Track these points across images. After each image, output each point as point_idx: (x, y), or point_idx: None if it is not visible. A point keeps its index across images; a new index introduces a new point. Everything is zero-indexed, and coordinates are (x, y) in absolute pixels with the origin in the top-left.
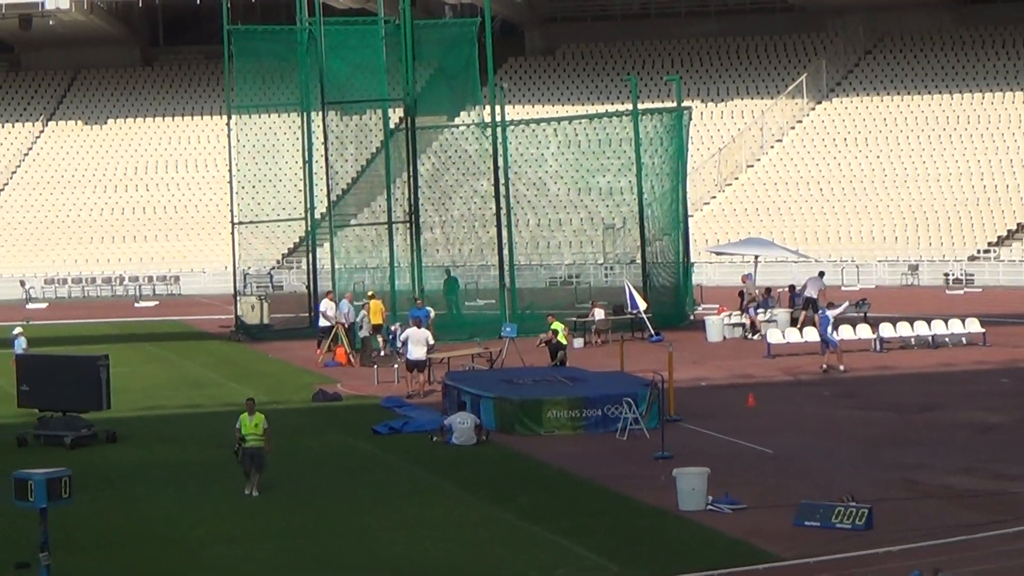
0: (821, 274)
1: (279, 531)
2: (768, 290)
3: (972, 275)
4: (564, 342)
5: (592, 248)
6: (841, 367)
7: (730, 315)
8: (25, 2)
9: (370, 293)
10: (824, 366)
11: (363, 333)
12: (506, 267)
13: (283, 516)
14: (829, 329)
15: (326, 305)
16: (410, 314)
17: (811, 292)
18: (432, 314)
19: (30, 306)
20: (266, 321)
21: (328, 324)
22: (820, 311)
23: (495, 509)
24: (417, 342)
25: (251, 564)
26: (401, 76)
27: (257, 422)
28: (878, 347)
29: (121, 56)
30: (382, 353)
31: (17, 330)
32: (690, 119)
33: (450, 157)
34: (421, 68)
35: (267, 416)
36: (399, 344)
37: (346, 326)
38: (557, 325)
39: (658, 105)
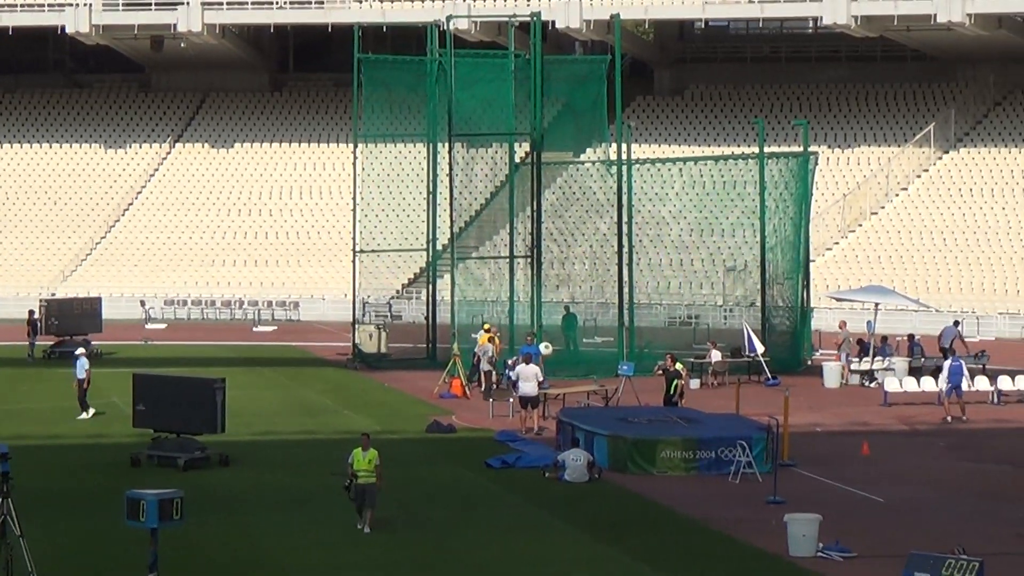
0: (956, 323)
1: (390, 563)
2: (884, 338)
3: None
4: (681, 371)
5: (712, 289)
6: (964, 417)
7: (848, 361)
8: (157, 23)
9: (486, 326)
10: (948, 417)
11: (484, 367)
12: (626, 305)
13: (395, 548)
14: (963, 379)
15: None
16: (521, 351)
17: (945, 342)
18: (547, 350)
19: (149, 326)
20: (383, 350)
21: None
22: (952, 359)
23: (607, 548)
24: (527, 378)
25: None
26: (529, 111)
27: (371, 458)
28: (996, 400)
29: (250, 80)
30: (499, 386)
31: (80, 351)
32: (816, 164)
33: (574, 193)
34: (549, 103)
35: (380, 450)
36: (512, 377)
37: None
38: (678, 365)
39: (784, 149)
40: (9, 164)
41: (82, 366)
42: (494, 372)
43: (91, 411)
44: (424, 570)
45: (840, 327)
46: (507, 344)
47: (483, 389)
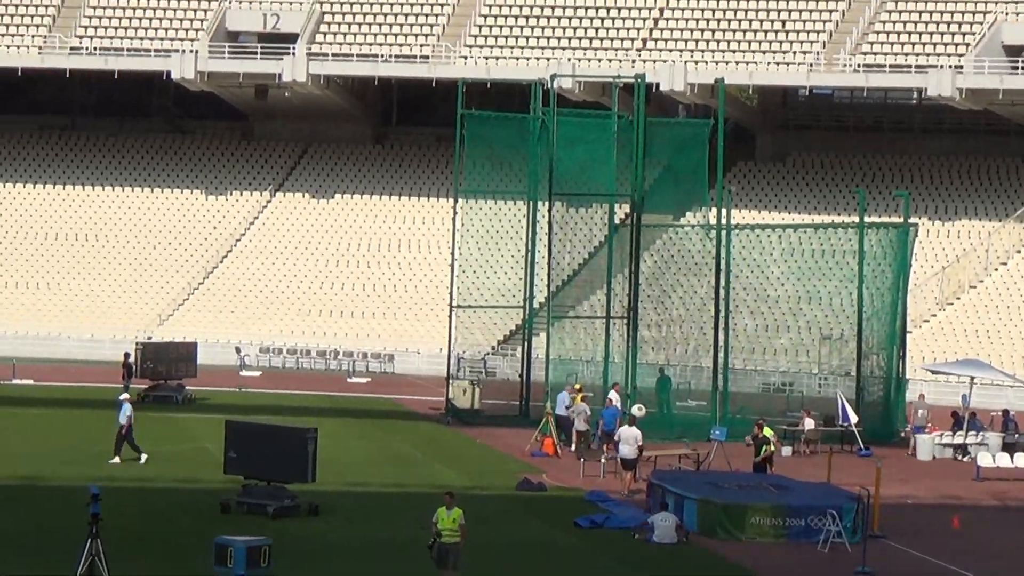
0: None
1: None
2: (973, 414)
3: None
4: (770, 437)
5: (808, 357)
6: None
7: (941, 435)
8: (262, 72)
9: (577, 386)
10: None
11: (580, 426)
12: (720, 370)
13: None
14: None
15: (564, 396)
16: (602, 414)
17: None
18: (640, 412)
19: (244, 373)
20: (477, 406)
21: (561, 414)
22: None
23: None
24: (627, 441)
25: None
26: (630, 172)
27: (455, 517)
28: None
29: (353, 132)
30: (592, 446)
31: (123, 396)
32: (916, 235)
33: (672, 256)
34: (650, 165)
35: (469, 506)
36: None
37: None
38: (767, 432)
39: (884, 219)
40: (111, 207)
41: (124, 412)
42: (588, 431)
43: (118, 459)
44: None
45: (919, 398)
46: (602, 406)
47: (576, 448)
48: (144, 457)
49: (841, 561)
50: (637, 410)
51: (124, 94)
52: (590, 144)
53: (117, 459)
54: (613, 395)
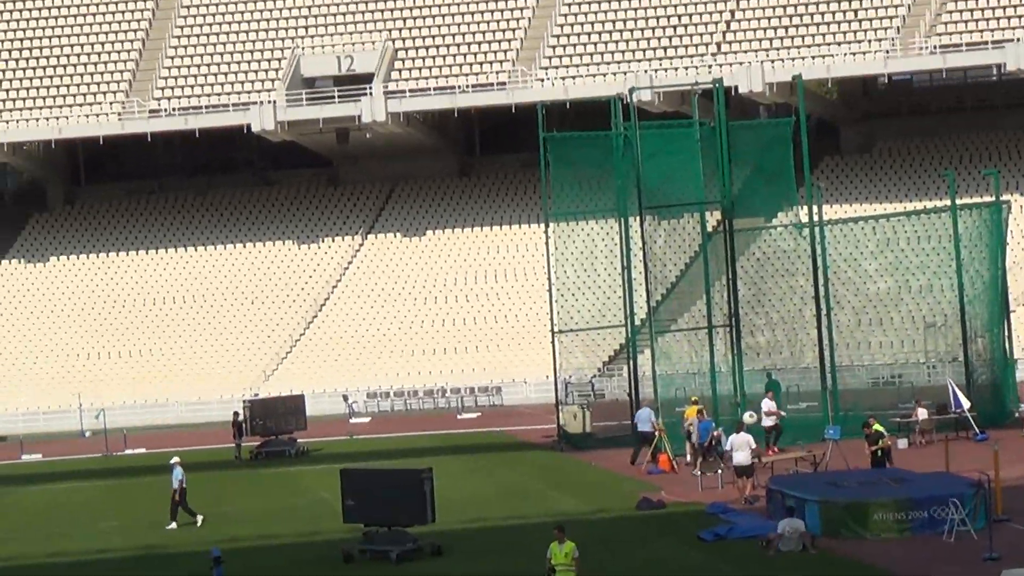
0: None
1: None
2: None
3: None
4: (882, 431)
5: (913, 347)
6: None
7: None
8: (342, 116)
9: (693, 399)
10: None
11: (695, 439)
12: (827, 368)
13: None
14: None
15: (646, 412)
16: (700, 426)
17: None
18: (751, 419)
19: (353, 420)
20: (588, 430)
21: (648, 431)
22: None
23: None
24: (740, 447)
25: None
26: (717, 178)
27: (567, 551)
28: None
29: (438, 166)
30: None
31: (174, 460)
32: (1009, 212)
33: (768, 258)
34: (737, 169)
35: (591, 530)
36: (725, 448)
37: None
38: (877, 427)
39: (976, 200)
40: (205, 267)
41: (176, 476)
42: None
43: (174, 524)
44: None
45: None
46: (712, 416)
47: (696, 461)
48: (200, 519)
49: (968, 549)
50: (748, 417)
51: (207, 151)
52: (675, 154)
53: (174, 524)
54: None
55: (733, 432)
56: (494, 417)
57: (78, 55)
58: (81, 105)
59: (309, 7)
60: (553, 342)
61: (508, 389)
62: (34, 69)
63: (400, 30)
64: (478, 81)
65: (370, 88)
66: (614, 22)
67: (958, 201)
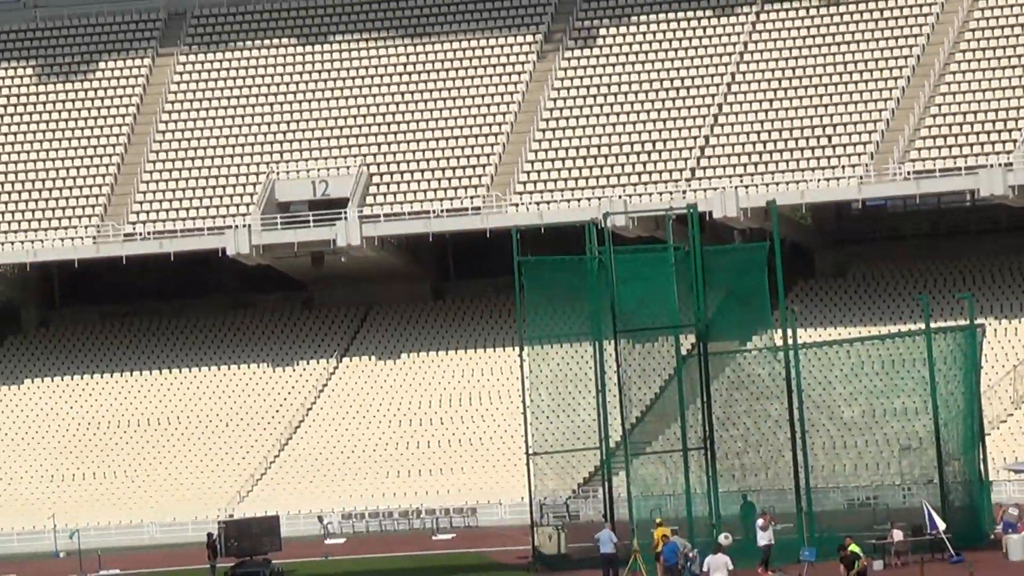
0: None
1: None
2: None
3: None
4: (859, 552)
5: (888, 469)
6: None
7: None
8: (317, 240)
9: (657, 520)
10: None
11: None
12: (802, 490)
13: None
14: None
15: (607, 534)
16: (664, 549)
17: None
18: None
19: (328, 541)
20: (564, 551)
21: (610, 551)
22: None
23: None
24: (717, 568)
25: None
26: (692, 302)
27: None
28: None
29: (412, 290)
30: None
31: None
32: (983, 336)
33: (742, 381)
34: (711, 293)
35: None
36: (703, 570)
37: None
38: (854, 548)
39: (951, 323)
40: (179, 389)
41: None
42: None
43: None
44: None
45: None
46: (687, 537)
47: None
48: None
49: None
50: (724, 539)
51: (182, 274)
52: (649, 278)
53: None
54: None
55: (709, 553)
56: (470, 538)
57: (53, 178)
58: (56, 228)
59: (284, 132)
60: (528, 464)
61: (483, 510)
62: (8, 192)
63: (375, 155)
64: (452, 206)
65: (345, 212)
66: (588, 147)
67: (932, 325)
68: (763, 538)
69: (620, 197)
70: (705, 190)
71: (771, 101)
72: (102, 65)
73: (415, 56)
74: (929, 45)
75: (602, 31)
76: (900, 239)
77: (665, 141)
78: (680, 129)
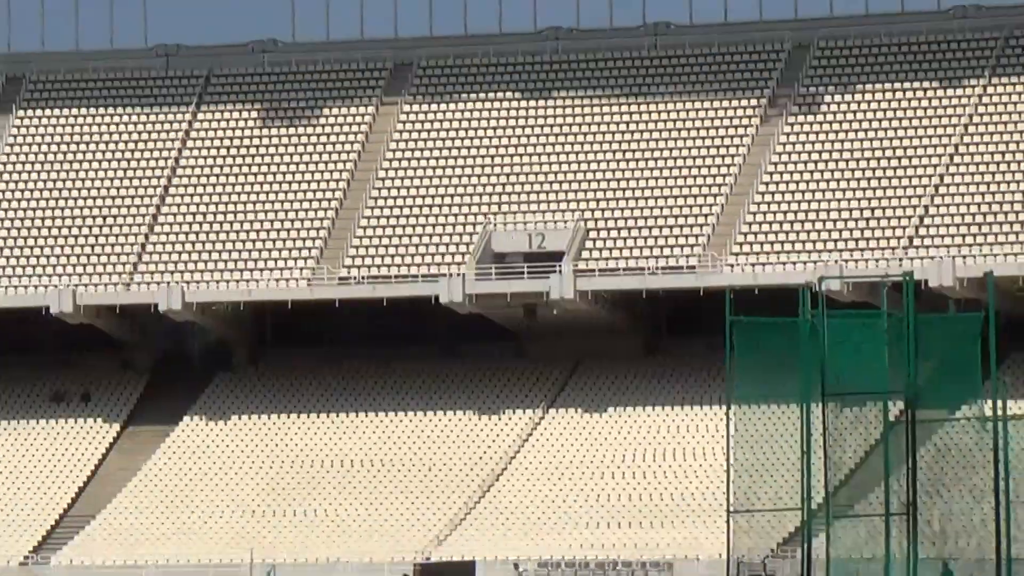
0: None
1: None
2: None
3: None
4: None
5: None
6: None
7: None
8: (530, 291)
9: None
10: None
11: None
12: (1004, 561)
13: None
14: None
15: None
16: None
17: None
18: None
19: None
20: None
21: None
22: None
23: None
24: None
25: None
26: (902, 369)
27: None
28: None
29: (623, 346)
30: None
31: None
32: None
33: (949, 450)
34: (922, 362)
35: None
36: None
37: None
38: None
39: None
40: (384, 432)
41: None
42: None
43: None
44: None
45: None
46: None
47: None
48: None
49: None
50: None
51: (393, 320)
52: (861, 343)
53: None
54: None
55: None
56: None
57: (271, 220)
58: (271, 269)
59: (503, 183)
60: (728, 521)
61: (680, 565)
62: (227, 232)
63: (592, 210)
64: (668, 264)
65: (560, 266)
66: (806, 212)
67: None
68: None
69: (836, 262)
70: (922, 258)
71: (994, 174)
72: (326, 111)
73: (637, 114)
74: None
75: (827, 97)
76: None
77: (884, 208)
78: (900, 197)
